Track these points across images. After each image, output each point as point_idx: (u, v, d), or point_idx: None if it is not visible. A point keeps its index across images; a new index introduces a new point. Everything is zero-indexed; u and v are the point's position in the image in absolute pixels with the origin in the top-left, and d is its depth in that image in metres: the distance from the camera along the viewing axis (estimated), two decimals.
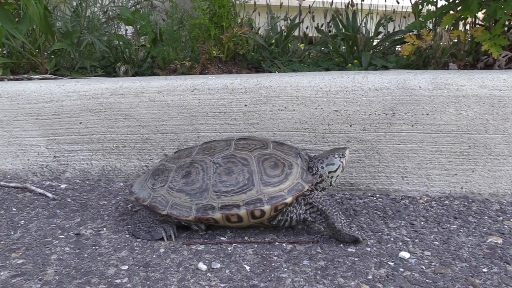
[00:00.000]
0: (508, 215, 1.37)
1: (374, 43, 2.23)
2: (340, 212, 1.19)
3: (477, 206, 1.44)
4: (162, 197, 1.22)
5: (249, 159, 1.22)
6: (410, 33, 2.04)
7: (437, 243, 1.19)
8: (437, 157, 1.51)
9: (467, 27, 2.05)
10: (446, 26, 1.92)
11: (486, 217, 1.36)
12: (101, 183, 1.67)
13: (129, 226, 1.30)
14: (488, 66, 1.86)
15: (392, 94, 1.51)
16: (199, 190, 1.20)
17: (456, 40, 1.91)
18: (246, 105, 1.60)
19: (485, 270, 1.06)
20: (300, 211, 1.22)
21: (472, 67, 1.91)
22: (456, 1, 1.91)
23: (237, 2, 2.43)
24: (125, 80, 1.73)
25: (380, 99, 1.51)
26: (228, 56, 2.16)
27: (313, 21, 3.31)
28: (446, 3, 2.00)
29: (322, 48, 2.25)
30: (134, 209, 1.44)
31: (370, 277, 1.03)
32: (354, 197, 1.53)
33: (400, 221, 1.33)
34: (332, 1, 3.25)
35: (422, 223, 1.32)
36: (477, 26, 1.94)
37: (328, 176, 1.28)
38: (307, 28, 3.01)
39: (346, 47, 2.15)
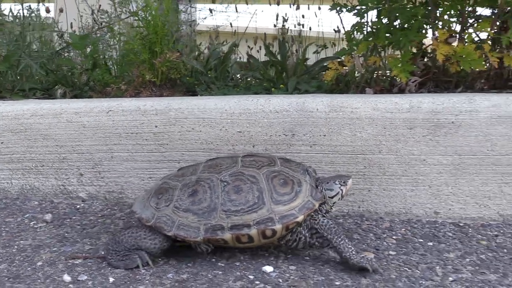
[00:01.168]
0: (393, 233, 1.41)
1: (306, 68, 2.32)
2: (347, 240, 1.16)
3: (368, 224, 1.48)
4: (167, 217, 1.17)
5: (257, 177, 1.20)
6: (334, 60, 2.13)
7: (308, 258, 1.24)
8: None
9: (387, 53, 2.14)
10: (363, 53, 2.00)
11: (371, 235, 1.40)
12: (18, 201, 1.72)
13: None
14: (402, 91, 1.93)
15: (291, 116, 1.57)
16: (207, 209, 1.16)
17: (371, 66, 1.99)
18: (156, 126, 1.66)
19: (338, 283, 1.09)
20: (307, 234, 1.21)
21: (389, 92, 1.99)
22: (373, 30, 2.01)
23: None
24: (46, 102, 1.80)
25: (280, 120, 1.58)
26: (163, 80, 2.25)
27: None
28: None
29: (255, 74, 2.34)
30: (35, 225, 1.48)
31: None
32: None
33: None
34: (288, 29, 3.36)
35: None
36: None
37: (328, 200, 1.27)
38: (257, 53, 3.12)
39: (276, 72, 2.24)
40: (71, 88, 2.34)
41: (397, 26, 1.90)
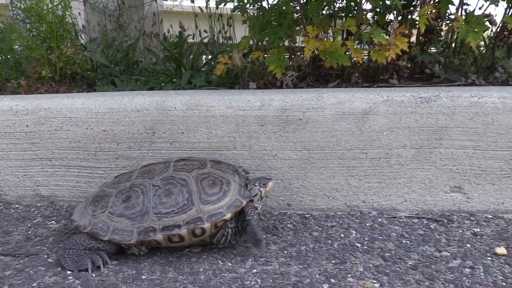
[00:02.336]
0: None
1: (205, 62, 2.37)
2: (260, 227, 1.29)
3: None
4: (103, 223, 1.25)
5: (187, 180, 1.28)
6: (224, 54, 2.18)
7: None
8: None
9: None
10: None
11: None
12: None
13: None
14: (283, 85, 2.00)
15: (152, 115, 1.64)
16: (140, 213, 1.24)
17: (254, 60, 2.05)
18: (27, 126, 1.72)
19: (144, 276, 1.18)
20: (233, 227, 1.30)
21: (272, 85, 2.05)
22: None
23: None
24: None
25: (141, 119, 1.65)
26: (62, 75, 2.29)
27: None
28: None
29: (155, 67, 2.38)
30: None
31: (35, 284, 1.15)
32: None
33: None
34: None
35: None
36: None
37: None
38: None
39: (174, 66, 2.29)
40: None
41: (272, 23, 1.95)
